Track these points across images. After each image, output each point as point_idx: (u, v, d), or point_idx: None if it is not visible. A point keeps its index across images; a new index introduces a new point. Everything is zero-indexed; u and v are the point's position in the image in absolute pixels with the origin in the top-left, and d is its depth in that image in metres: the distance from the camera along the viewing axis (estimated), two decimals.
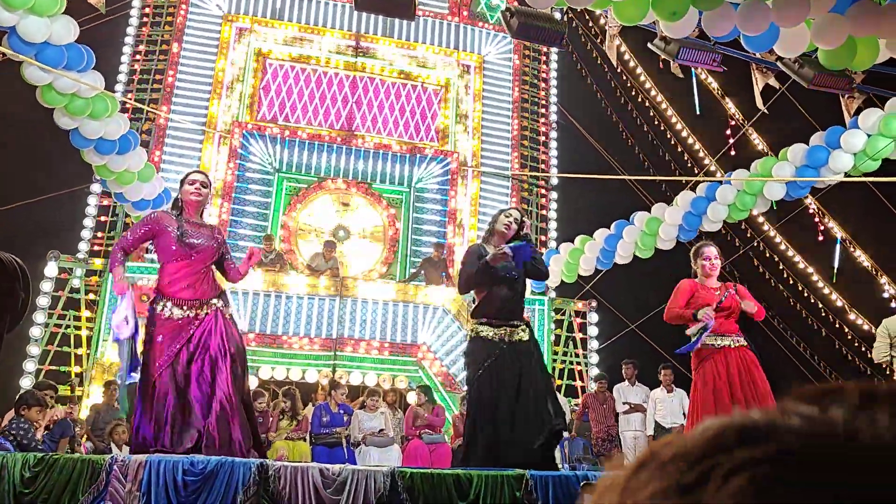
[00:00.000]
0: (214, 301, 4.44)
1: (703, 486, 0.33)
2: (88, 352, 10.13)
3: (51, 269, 10.26)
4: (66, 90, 7.33)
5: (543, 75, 13.80)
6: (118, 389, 4.54)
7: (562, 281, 11.62)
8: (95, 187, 11.21)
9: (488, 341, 4.60)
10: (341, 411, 7.83)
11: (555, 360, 11.51)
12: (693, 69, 8.56)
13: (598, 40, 12.77)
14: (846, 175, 8.77)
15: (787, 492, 0.32)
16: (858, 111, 8.24)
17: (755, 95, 8.18)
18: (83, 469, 3.55)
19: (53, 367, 10.13)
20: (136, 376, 4.37)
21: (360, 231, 12.26)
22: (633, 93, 13.14)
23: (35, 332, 10.03)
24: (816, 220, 11.88)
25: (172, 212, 4.61)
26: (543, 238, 12.80)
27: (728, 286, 4.91)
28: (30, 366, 9.84)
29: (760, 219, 12.17)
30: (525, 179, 13.07)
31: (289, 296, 10.03)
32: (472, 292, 4.91)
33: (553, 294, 12.17)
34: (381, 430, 7.76)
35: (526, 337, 4.68)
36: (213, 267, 4.63)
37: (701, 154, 12.88)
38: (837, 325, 12.72)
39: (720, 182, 9.98)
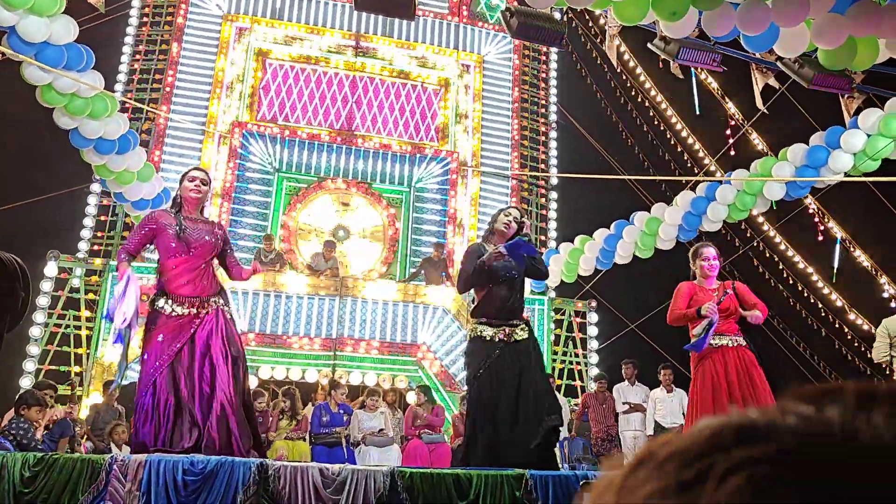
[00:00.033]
0: (215, 299, 4.44)
1: (701, 486, 0.33)
2: (88, 351, 10.13)
3: (51, 269, 10.27)
4: (66, 90, 7.33)
5: (543, 75, 13.80)
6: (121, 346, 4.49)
7: (561, 281, 11.62)
8: (95, 187, 11.21)
9: (488, 341, 4.59)
10: (341, 411, 7.83)
11: (554, 360, 11.52)
12: (693, 69, 8.56)
13: (598, 40, 12.77)
14: (846, 175, 8.77)
15: (784, 491, 0.32)
16: (858, 111, 8.24)
17: (755, 95, 8.18)
18: (83, 469, 3.55)
19: (53, 367, 10.14)
20: (133, 332, 4.34)
21: (361, 231, 12.27)
22: (633, 93, 13.14)
23: (35, 331, 10.04)
24: (816, 220, 11.89)
25: (171, 210, 4.62)
26: (543, 238, 12.80)
27: (727, 285, 4.91)
28: (29, 365, 9.85)
29: (760, 219, 12.17)
30: (525, 179, 13.07)
31: (289, 296, 10.03)
32: (471, 291, 4.91)
33: (553, 294, 12.17)
34: (381, 429, 7.76)
35: (525, 336, 4.67)
36: (215, 263, 4.62)
37: (701, 154, 12.88)
38: (837, 325, 12.72)
39: (720, 182, 9.98)
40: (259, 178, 12.05)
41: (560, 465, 6.34)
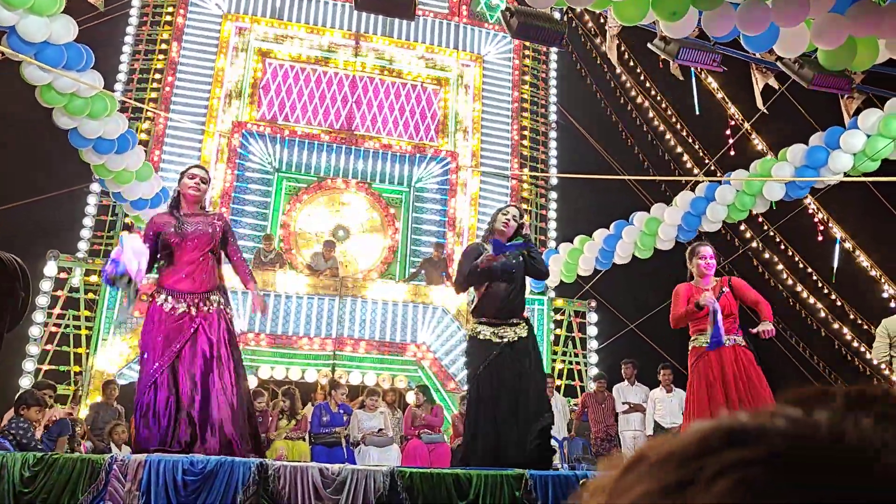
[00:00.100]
0: (215, 297, 4.43)
1: (691, 488, 0.33)
2: (88, 351, 10.14)
3: (50, 269, 10.27)
4: (66, 90, 7.33)
5: (543, 75, 13.81)
6: (124, 287, 4.39)
7: (561, 281, 11.62)
8: (95, 187, 11.21)
9: (488, 341, 4.59)
10: (341, 411, 7.84)
11: (554, 360, 11.52)
12: (693, 69, 8.56)
13: (598, 40, 12.77)
14: (845, 175, 8.77)
15: (773, 493, 0.32)
16: (858, 111, 8.24)
17: (755, 95, 8.18)
18: (83, 468, 3.56)
19: (53, 367, 10.14)
20: (134, 270, 4.27)
21: (360, 227, 12.27)
22: (633, 93, 13.14)
23: (34, 331, 10.04)
24: (816, 220, 11.89)
25: (169, 208, 4.63)
26: (543, 238, 12.81)
27: (723, 283, 4.91)
28: (29, 365, 9.85)
29: (760, 219, 12.16)
30: (525, 179, 13.07)
31: (289, 296, 10.03)
32: (470, 290, 4.90)
33: (552, 294, 12.17)
34: (381, 429, 7.76)
35: (525, 335, 4.66)
36: (215, 257, 4.59)
37: (701, 154, 12.88)
38: (837, 326, 12.73)
39: (720, 182, 9.98)
40: (259, 178, 12.05)
41: (560, 465, 6.35)
